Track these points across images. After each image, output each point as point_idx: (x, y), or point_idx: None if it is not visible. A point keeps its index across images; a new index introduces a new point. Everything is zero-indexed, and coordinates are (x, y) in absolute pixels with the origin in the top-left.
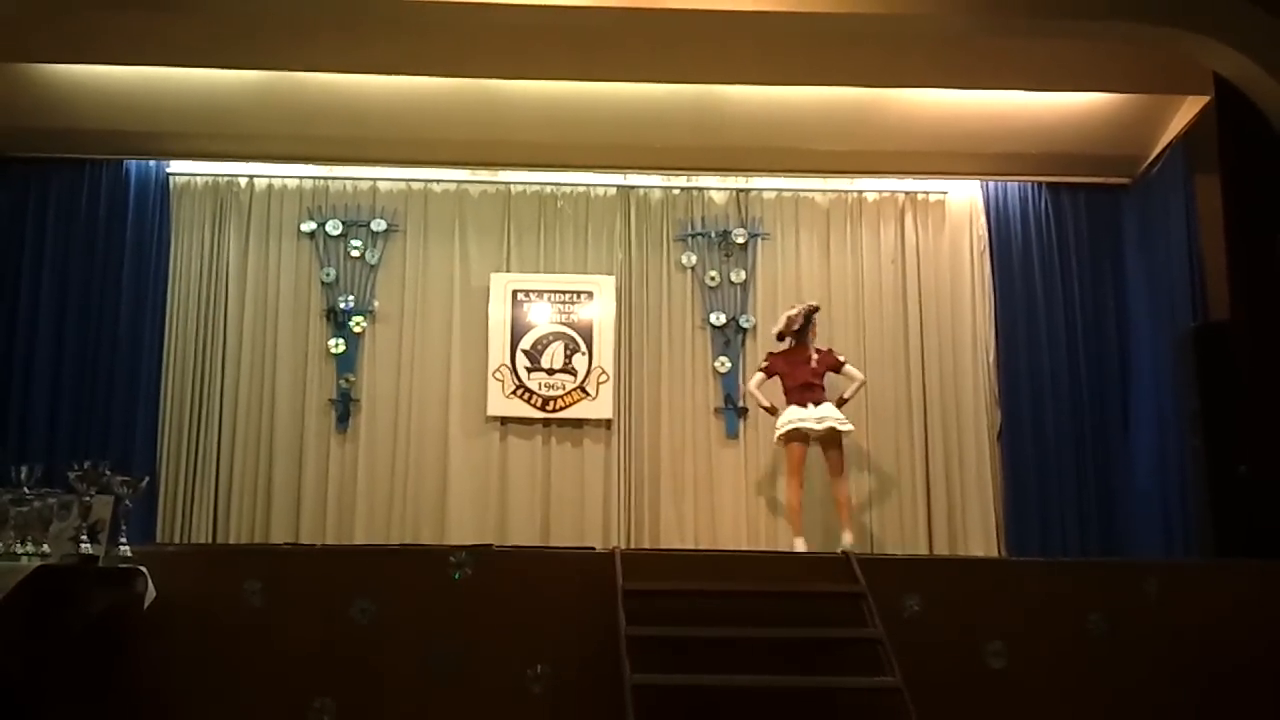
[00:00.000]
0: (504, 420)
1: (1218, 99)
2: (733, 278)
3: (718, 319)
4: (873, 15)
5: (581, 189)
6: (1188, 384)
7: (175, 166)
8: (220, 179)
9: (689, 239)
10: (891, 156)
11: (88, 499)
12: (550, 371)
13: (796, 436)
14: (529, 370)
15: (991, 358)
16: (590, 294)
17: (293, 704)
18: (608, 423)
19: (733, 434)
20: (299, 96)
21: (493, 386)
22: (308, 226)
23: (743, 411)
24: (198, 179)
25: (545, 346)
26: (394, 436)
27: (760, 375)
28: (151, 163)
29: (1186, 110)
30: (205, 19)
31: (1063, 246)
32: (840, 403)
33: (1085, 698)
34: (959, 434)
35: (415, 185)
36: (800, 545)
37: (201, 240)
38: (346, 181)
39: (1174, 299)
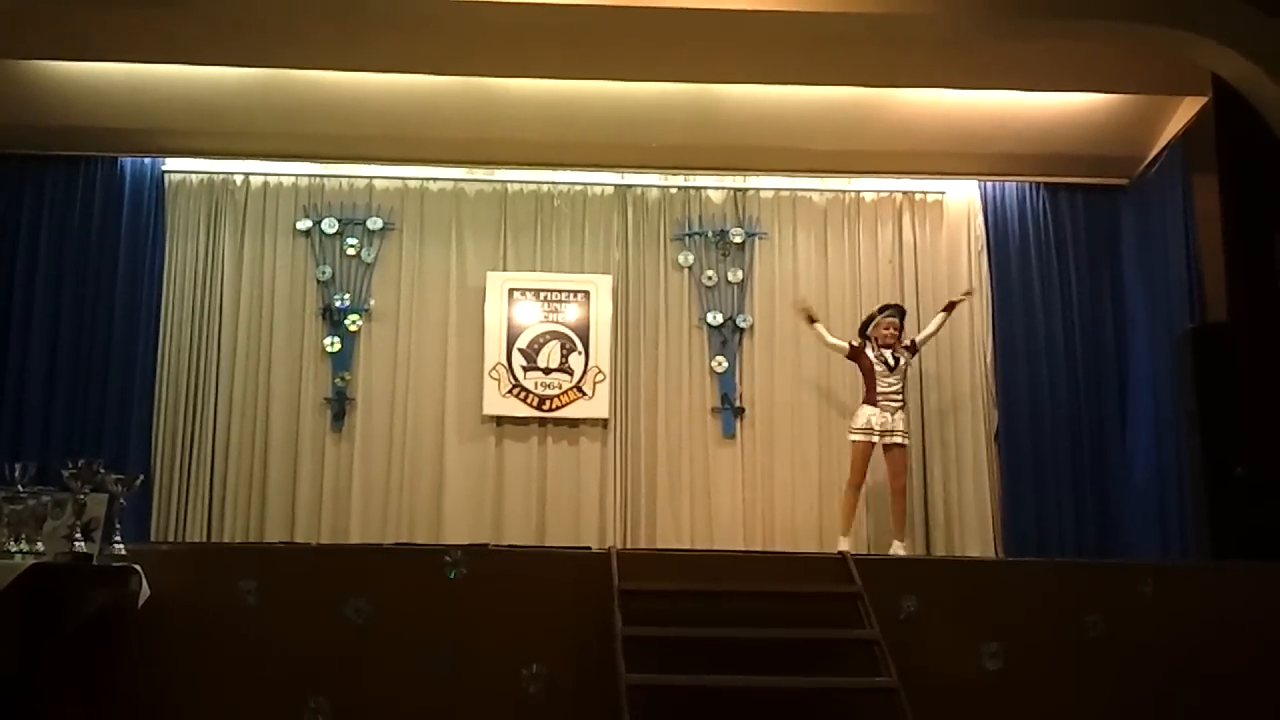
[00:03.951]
0: (500, 419)
1: (1216, 100)
2: (730, 277)
3: (715, 319)
4: (870, 15)
5: (578, 188)
6: (1185, 385)
7: (170, 164)
8: (215, 176)
9: (686, 238)
10: (889, 156)
11: (82, 497)
12: (546, 371)
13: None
14: (525, 369)
15: (989, 358)
16: (587, 293)
17: (287, 703)
18: (604, 422)
19: (729, 434)
20: (295, 94)
21: (489, 385)
22: (303, 224)
23: (739, 411)
24: (193, 176)
25: (541, 346)
26: (389, 435)
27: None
28: (146, 160)
29: (1184, 111)
30: (201, 16)
31: (1060, 247)
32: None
33: (1082, 699)
34: (956, 434)
35: (412, 183)
36: (900, 549)
37: (197, 238)
38: (342, 179)
39: (1171, 300)
